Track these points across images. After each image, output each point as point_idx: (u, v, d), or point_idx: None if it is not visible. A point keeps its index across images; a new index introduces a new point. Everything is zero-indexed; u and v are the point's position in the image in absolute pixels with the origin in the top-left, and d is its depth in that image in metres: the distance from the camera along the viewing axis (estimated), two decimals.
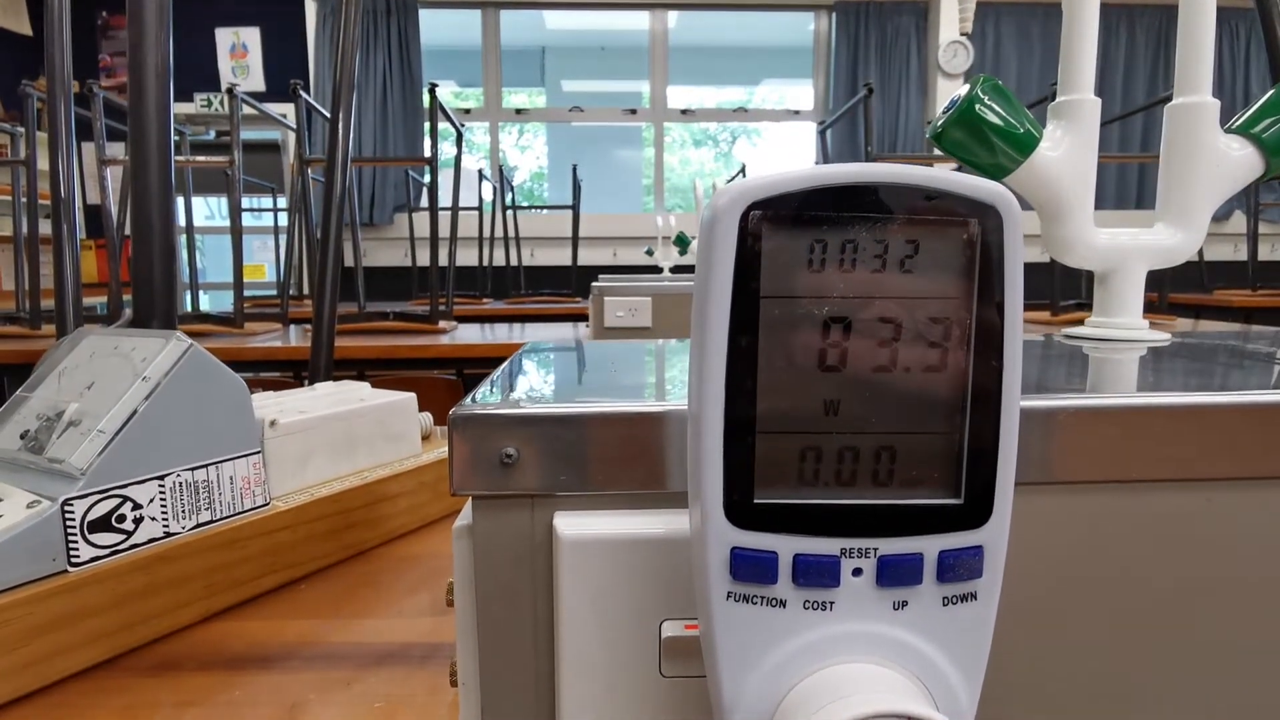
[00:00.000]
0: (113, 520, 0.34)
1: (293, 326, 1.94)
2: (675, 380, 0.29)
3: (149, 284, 0.46)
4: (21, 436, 0.36)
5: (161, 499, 0.36)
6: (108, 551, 0.34)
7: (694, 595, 0.18)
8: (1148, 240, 0.40)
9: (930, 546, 0.16)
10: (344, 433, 0.46)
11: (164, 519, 0.36)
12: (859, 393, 0.16)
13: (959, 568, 0.16)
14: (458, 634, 0.25)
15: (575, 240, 2.92)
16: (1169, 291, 2.04)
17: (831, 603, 0.17)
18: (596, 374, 0.32)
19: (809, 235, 0.16)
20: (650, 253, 2.68)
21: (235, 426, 0.39)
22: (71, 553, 0.33)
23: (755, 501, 0.16)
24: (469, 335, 1.83)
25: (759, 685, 0.17)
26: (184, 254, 2.26)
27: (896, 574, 0.16)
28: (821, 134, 3.03)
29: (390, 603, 0.40)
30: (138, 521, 0.35)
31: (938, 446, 0.17)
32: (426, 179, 1.83)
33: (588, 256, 3.45)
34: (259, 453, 0.40)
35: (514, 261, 3.06)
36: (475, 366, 1.82)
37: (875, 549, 0.16)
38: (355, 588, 0.42)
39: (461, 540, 0.24)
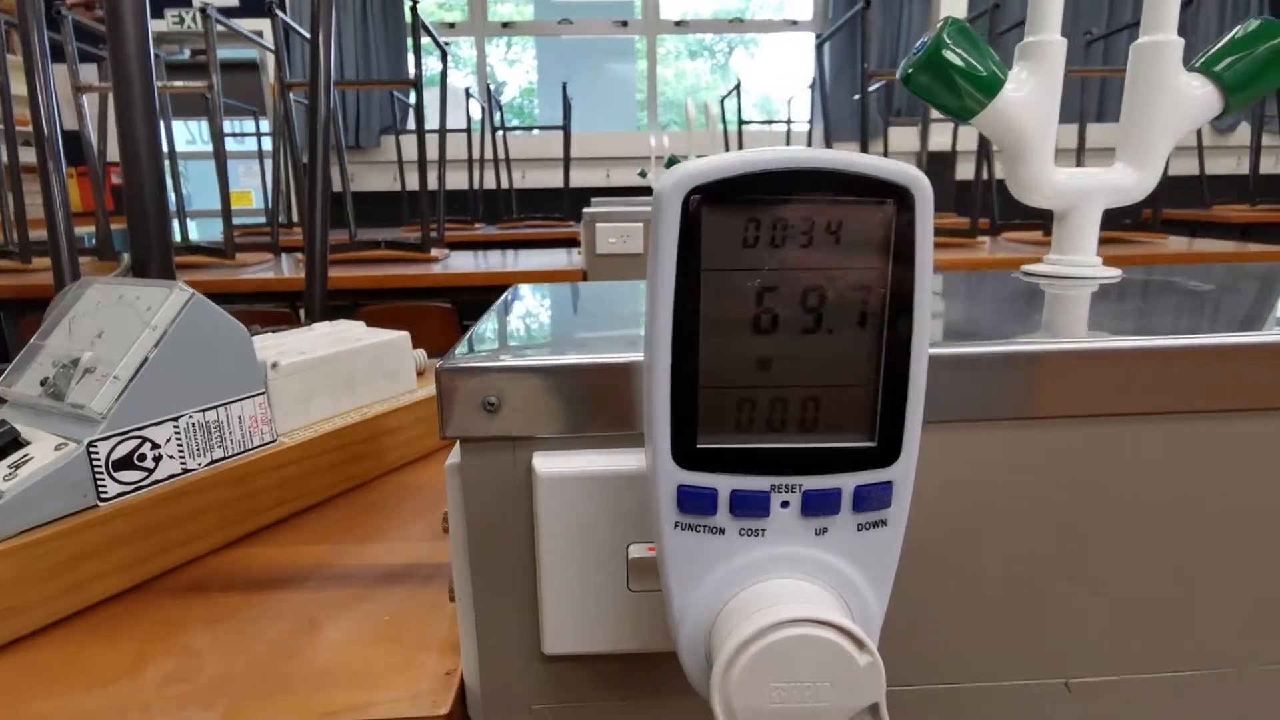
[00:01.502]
0: (134, 459, 0.37)
1: (284, 256, 1.94)
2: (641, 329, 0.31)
3: (144, 231, 0.48)
4: (41, 384, 0.38)
5: (177, 439, 0.39)
6: (132, 487, 0.37)
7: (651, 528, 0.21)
8: (1105, 180, 0.41)
9: (848, 482, 0.19)
10: (343, 372, 0.49)
11: (181, 457, 0.39)
12: (788, 351, 0.19)
13: (871, 500, 0.19)
14: (453, 558, 0.28)
15: (567, 162, 2.87)
16: (1162, 208, 2.04)
17: (763, 530, 0.20)
18: (572, 323, 0.35)
19: (743, 215, 0.18)
20: (643, 174, 2.64)
21: (240, 369, 0.42)
22: (100, 489, 0.36)
23: (698, 446, 0.19)
24: (462, 264, 1.84)
25: (703, 598, 0.20)
26: (168, 182, 2.23)
27: (818, 506, 0.19)
28: (819, 47, 2.93)
29: (394, 529, 0.43)
30: (157, 460, 0.38)
31: (855, 397, 0.19)
32: (412, 99, 1.80)
33: (580, 178, 3.40)
34: (264, 393, 0.43)
35: (505, 185, 3.02)
36: (469, 295, 1.84)
37: (800, 485, 0.19)
38: (360, 515, 0.45)
39: (453, 478, 0.27)
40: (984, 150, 2.00)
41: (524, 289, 0.42)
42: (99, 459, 0.36)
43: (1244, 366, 0.25)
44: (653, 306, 0.19)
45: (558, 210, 3.00)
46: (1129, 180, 0.41)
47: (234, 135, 3.67)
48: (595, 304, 0.38)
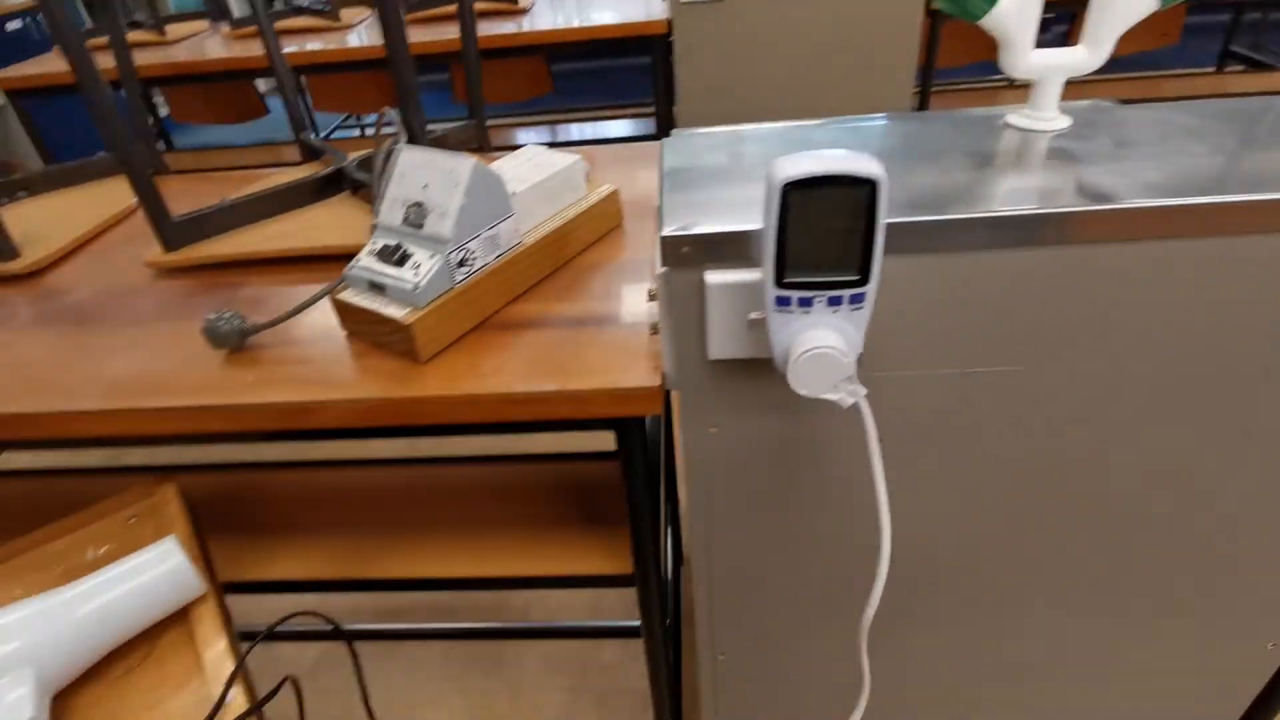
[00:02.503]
0: (464, 261, 0.67)
1: None
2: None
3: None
4: (404, 220, 0.67)
5: (480, 247, 0.68)
6: (465, 275, 0.67)
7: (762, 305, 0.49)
8: (1065, 59, 0.60)
9: (847, 293, 0.47)
10: (547, 189, 0.76)
11: (483, 258, 0.69)
12: (829, 252, 0.45)
13: (857, 299, 0.47)
14: (660, 316, 0.58)
15: None
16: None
17: (809, 312, 0.48)
18: (726, 184, 0.60)
19: (803, 190, 0.44)
20: None
21: (500, 202, 0.69)
22: (455, 277, 0.66)
23: (784, 280, 0.47)
24: (545, 20, 1.94)
25: (784, 340, 0.49)
26: None
27: (833, 302, 0.47)
28: None
29: (593, 293, 0.74)
30: (473, 260, 0.68)
31: (854, 267, 0.46)
32: None
33: None
34: (513, 214, 0.71)
35: None
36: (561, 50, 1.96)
37: (826, 295, 0.47)
38: (574, 284, 0.75)
39: (663, 285, 0.55)
40: None
41: (674, 147, 0.66)
42: (451, 261, 0.66)
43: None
44: (766, 223, 0.45)
45: None
46: (1082, 58, 0.60)
47: None
48: (741, 162, 0.62)
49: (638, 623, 1.18)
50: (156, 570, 0.61)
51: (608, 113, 3.59)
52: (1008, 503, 0.67)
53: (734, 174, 0.59)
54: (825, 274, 0.46)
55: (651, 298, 0.60)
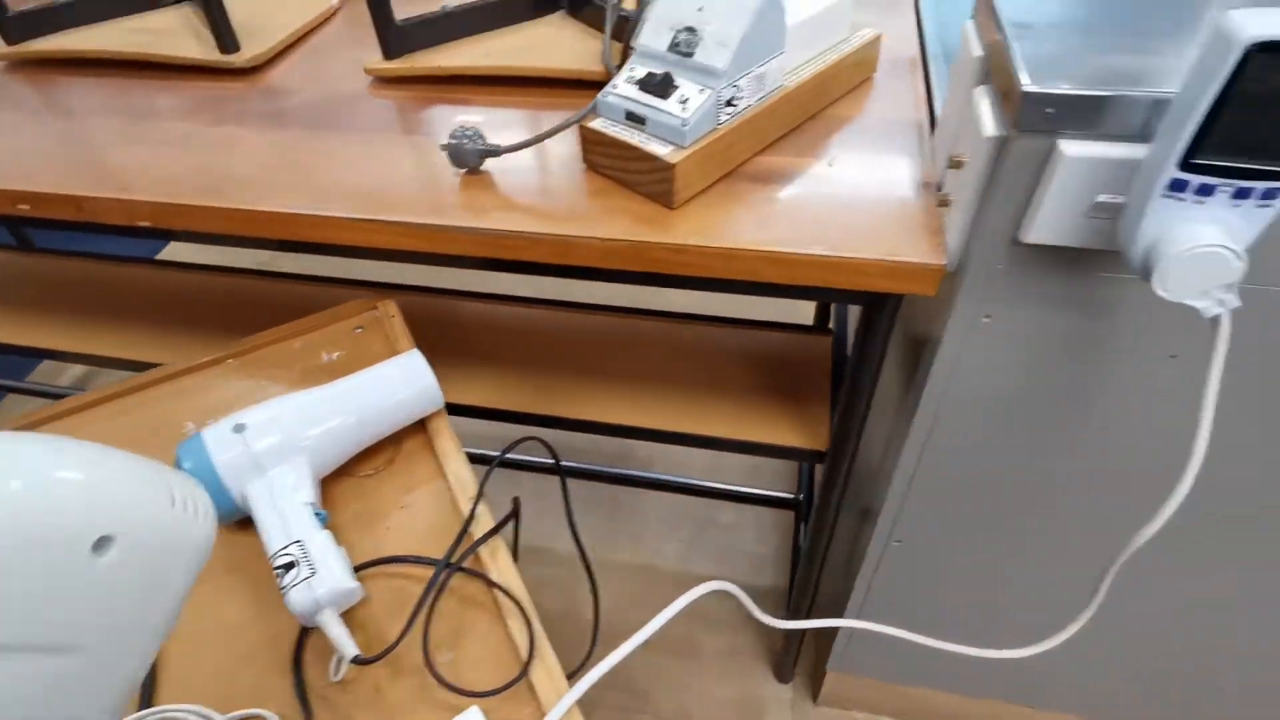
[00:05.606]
0: (732, 100, 0.61)
1: None
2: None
3: None
4: (672, 45, 0.61)
5: (748, 85, 0.61)
6: (730, 116, 0.61)
7: (1130, 189, 0.42)
8: None
9: (1262, 185, 0.39)
10: (817, 25, 0.67)
11: (748, 98, 0.62)
12: (1270, 139, 0.38)
13: (1271, 194, 0.40)
14: (966, 190, 0.51)
15: None
16: None
17: (1204, 202, 0.41)
18: (1095, 37, 0.50)
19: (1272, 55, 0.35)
20: None
21: (777, 34, 0.62)
22: (721, 117, 0.61)
23: (1193, 160, 0.40)
24: None
25: (1157, 231, 0.42)
26: None
27: (1241, 194, 0.40)
28: None
29: (851, 150, 0.67)
30: (739, 100, 0.61)
31: None
32: None
33: None
34: (784, 51, 0.63)
35: None
36: None
37: (1236, 185, 0.40)
38: (827, 138, 0.68)
39: (992, 150, 0.48)
40: None
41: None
42: (721, 98, 0.60)
43: None
44: (1184, 102, 0.37)
45: None
46: None
47: None
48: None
49: (787, 495, 1.19)
50: (406, 378, 0.62)
51: None
52: None
53: (1102, 29, 0.50)
54: (1253, 161, 0.39)
55: (954, 164, 0.54)
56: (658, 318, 0.98)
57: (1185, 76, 0.39)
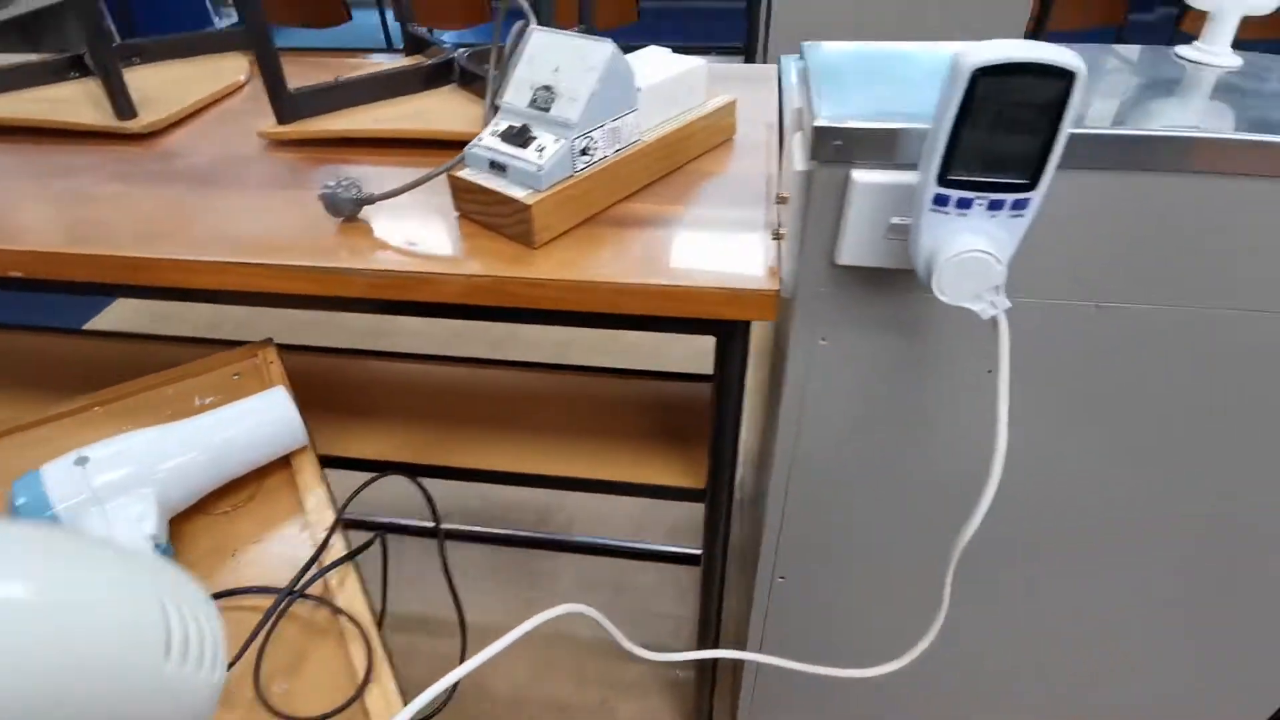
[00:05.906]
0: (586, 150, 0.66)
1: None
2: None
3: None
4: (531, 102, 0.66)
5: (603, 137, 0.67)
6: (585, 164, 0.67)
7: (911, 209, 0.48)
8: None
9: (1011, 197, 0.45)
10: (671, 90, 0.74)
11: (604, 150, 0.68)
12: (1005, 150, 0.44)
13: (1020, 205, 0.45)
14: (790, 221, 0.57)
15: None
16: None
17: (965, 214, 0.46)
18: (876, 85, 0.58)
19: (993, 79, 0.42)
20: None
21: (627, 93, 0.68)
22: (576, 164, 0.66)
23: (948, 177, 0.45)
24: None
25: (932, 244, 0.48)
26: None
27: (995, 206, 0.46)
28: None
29: (707, 199, 0.72)
30: (594, 150, 0.67)
31: (1026, 170, 0.44)
32: None
33: None
34: (637, 109, 0.70)
35: None
36: None
37: (988, 198, 0.45)
38: (686, 189, 0.74)
39: (803, 182, 0.54)
40: None
41: (812, 53, 0.64)
42: (575, 147, 0.65)
43: None
44: (935, 130, 0.43)
45: None
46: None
47: None
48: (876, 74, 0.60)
49: (693, 550, 1.20)
50: (267, 414, 0.63)
51: (692, 50, 3.50)
52: (1126, 453, 0.65)
53: (881, 76, 0.57)
54: (994, 174, 0.45)
55: (780, 200, 0.59)
56: (560, 371, 1.00)
57: (936, 106, 0.45)
